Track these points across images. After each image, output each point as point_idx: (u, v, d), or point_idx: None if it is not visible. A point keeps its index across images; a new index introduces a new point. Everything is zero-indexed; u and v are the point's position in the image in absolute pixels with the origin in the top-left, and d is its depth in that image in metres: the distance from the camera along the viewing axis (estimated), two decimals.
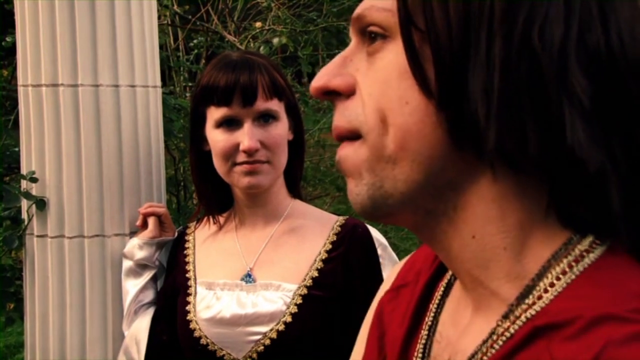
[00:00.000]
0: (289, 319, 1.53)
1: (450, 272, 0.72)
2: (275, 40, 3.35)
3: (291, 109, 1.62)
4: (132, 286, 1.71)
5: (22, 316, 1.97)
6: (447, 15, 0.58)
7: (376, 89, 0.62)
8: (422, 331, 0.71)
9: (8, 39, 2.59)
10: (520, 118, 0.56)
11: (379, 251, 1.62)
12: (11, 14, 2.41)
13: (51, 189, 1.75)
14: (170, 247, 1.75)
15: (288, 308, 1.54)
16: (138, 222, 1.75)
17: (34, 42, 1.74)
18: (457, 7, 0.58)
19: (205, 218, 1.72)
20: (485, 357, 0.60)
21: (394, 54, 0.61)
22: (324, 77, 0.65)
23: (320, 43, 3.78)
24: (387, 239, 1.73)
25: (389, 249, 1.65)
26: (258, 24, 3.56)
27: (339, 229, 1.62)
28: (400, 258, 1.67)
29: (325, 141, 4.22)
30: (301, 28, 3.51)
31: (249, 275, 1.60)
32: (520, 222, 0.60)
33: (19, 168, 2.13)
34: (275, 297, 1.56)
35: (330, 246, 1.60)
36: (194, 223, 1.76)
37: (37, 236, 1.78)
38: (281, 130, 1.58)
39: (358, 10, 0.64)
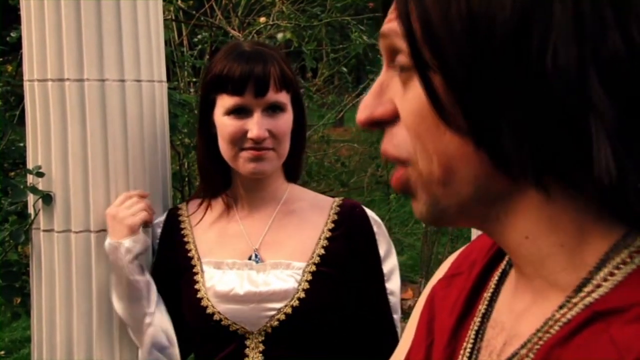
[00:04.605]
0: (302, 294, 1.60)
1: (505, 261, 0.74)
2: (280, 36, 3.35)
3: (296, 100, 1.69)
4: (146, 279, 1.70)
5: (28, 311, 1.97)
6: (460, 54, 0.56)
7: (412, 120, 0.62)
8: (475, 318, 0.72)
9: (12, 34, 2.59)
10: (553, 150, 0.56)
11: (375, 228, 1.70)
12: (15, 10, 2.41)
13: (57, 184, 1.75)
14: (161, 230, 1.76)
15: (300, 285, 1.61)
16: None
17: (40, 36, 1.74)
18: (468, 44, 0.56)
19: (200, 200, 1.75)
20: (541, 342, 0.61)
21: (421, 88, 0.60)
22: (366, 110, 0.65)
23: (324, 38, 3.77)
24: (392, 234, 1.77)
25: (383, 226, 1.75)
26: (262, 19, 3.56)
27: (338, 208, 1.71)
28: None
29: (329, 137, 4.21)
30: (305, 23, 3.50)
31: (256, 256, 1.66)
32: (574, 220, 0.60)
33: (24, 163, 2.13)
34: (285, 276, 1.62)
35: (333, 225, 1.68)
36: (184, 204, 1.79)
37: (44, 231, 1.78)
38: (287, 120, 1.65)
39: (383, 27, 0.63)
